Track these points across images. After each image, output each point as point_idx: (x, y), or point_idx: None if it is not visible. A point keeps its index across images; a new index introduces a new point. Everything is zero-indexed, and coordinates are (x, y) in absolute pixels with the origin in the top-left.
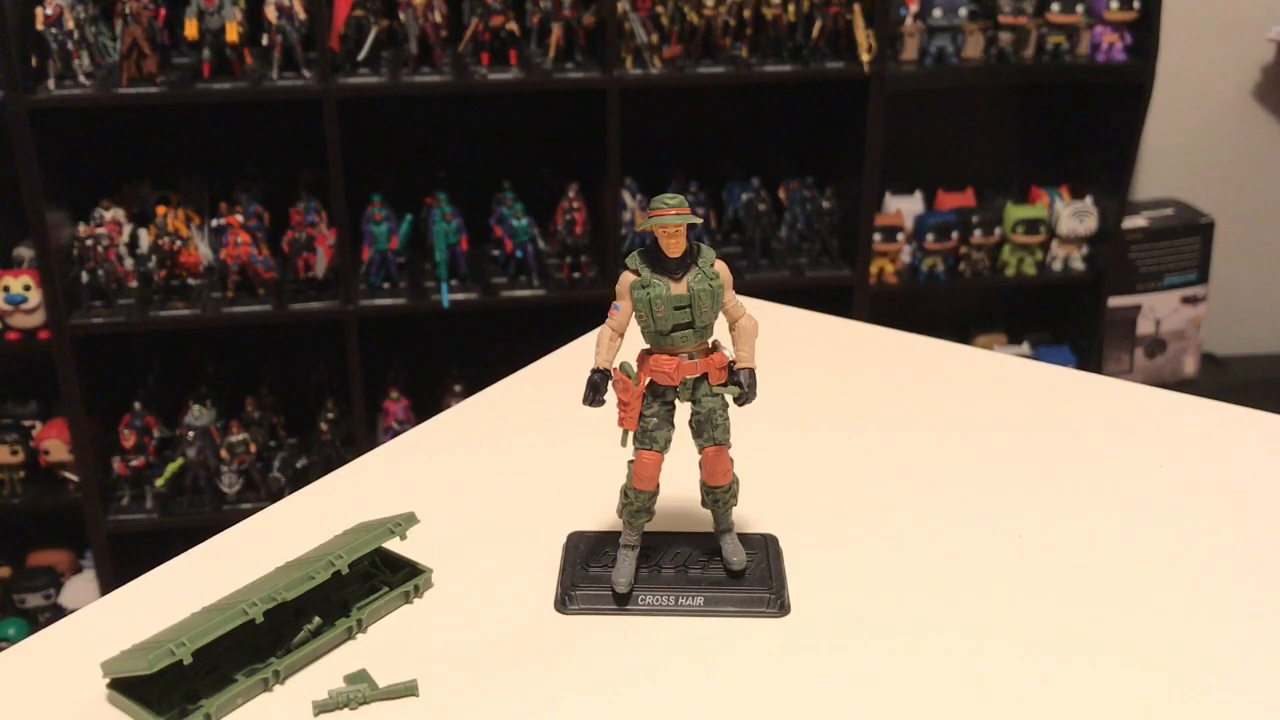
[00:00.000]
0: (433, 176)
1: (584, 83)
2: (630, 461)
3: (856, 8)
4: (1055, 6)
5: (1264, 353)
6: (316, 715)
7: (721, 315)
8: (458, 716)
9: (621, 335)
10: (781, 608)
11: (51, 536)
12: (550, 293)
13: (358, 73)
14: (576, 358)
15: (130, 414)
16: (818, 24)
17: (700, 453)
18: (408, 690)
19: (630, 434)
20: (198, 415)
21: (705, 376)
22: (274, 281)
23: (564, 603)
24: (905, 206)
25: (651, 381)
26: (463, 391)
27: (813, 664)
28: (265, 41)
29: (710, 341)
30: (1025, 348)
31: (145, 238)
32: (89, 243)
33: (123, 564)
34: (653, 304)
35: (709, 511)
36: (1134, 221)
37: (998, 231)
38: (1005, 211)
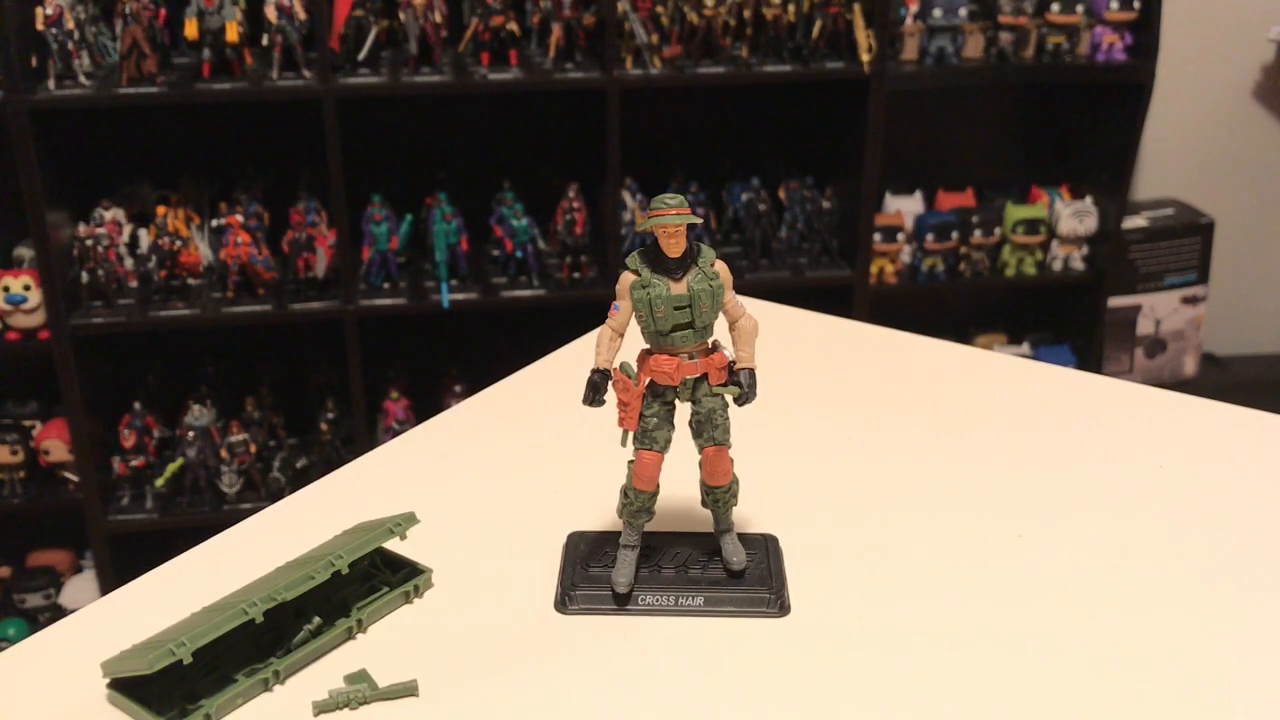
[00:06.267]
0: (433, 176)
1: (584, 83)
2: (630, 461)
3: (856, 8)
4: (1055, 6)
5: (1264, 353)
6: (316, 715)
7: (721, 315)
8: (458, 716)
9: (621, 335)
10: (781, 608)
11: (51, 536)
12: (550, 293)
13: (358, 73)
14: (576, 358)
15: (130, 414)
16: (818, 24)
17: (700, 453)
18: (408, 690)
19: (630, 434)
20: (198, 415)
21: (705, 376)
22: (274, 281)
23: (564, 603)
24: (905, 206)
25: (651, 381)
26: (463, 391)
27: (812, 664)
28: (265, 41)
29: (710, 341)
30: (1025, 348)
31: (145, 238)
32: (89, 243)
33: (123, 564)
34: (653, 304)
35: (709, 511)
36: (1134, 221)
37: (998, 231)
38: (1005, 211)
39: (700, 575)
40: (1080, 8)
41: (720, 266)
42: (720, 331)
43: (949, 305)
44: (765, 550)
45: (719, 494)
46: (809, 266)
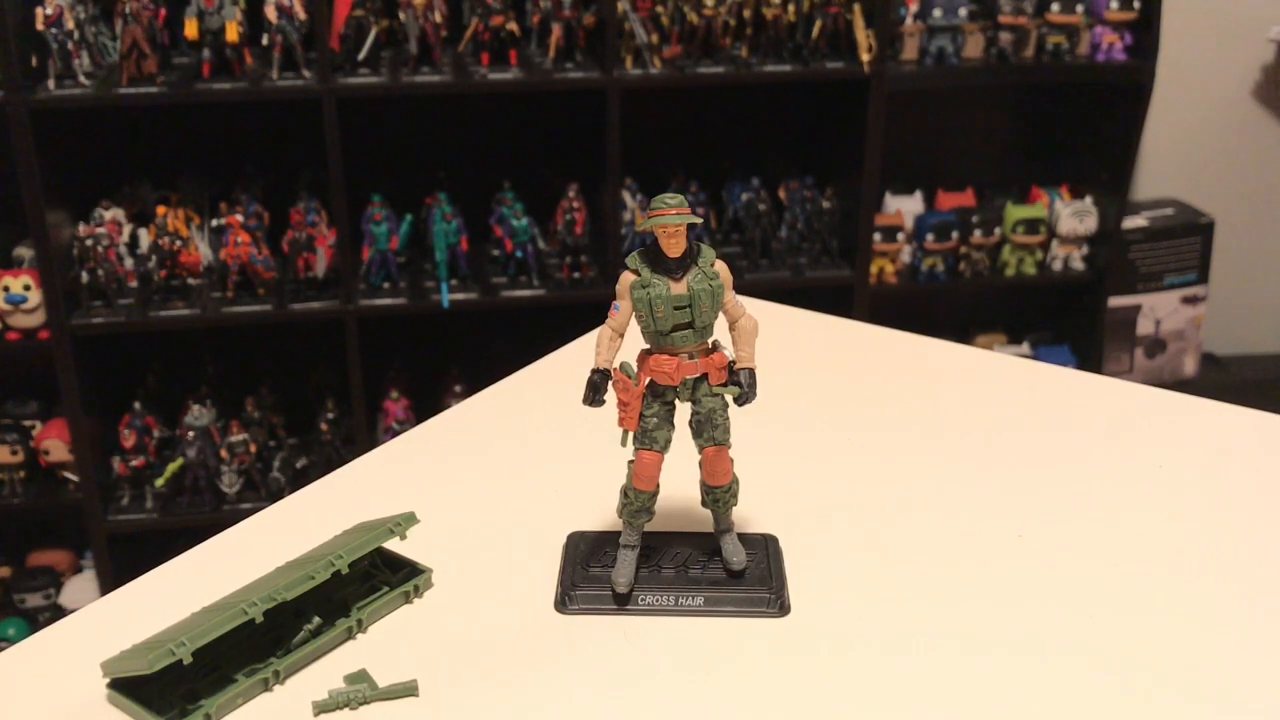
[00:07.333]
0: (433, 176)
1: (584, 83)
2: (630, 461)
3: (856, 8)
4: (1055, 6)
5: (1264, 353)
6: (316, 715)
7: (721, 315)
8: (458, 716)
9: (621, 335)
10: (781, 608)
11: (51, 536)
12: (550, 293)
13: (358, 73)
14: (576, 358)
15: (130, 414)
16: (818, 24)
17: (700, 453)
18: (408, 690)
19: (630, 434)
20: (198, 415)
21: (705, 376)
22: (274, 281)
23: (564, 603)
24: (905, 206)
25: (651, 381)
26: (463, 391)
27: (812, 665)
28: (265, 41)
29: (710, 341)
30: (1025, 348)
31: (145, 238)
32: (89, 243)
33: (123, 564)
34: (653, 304)
35: (709, 511)
36: (1134, 221)
37: (998, 231)
38: (1005, 211)
39: (700, 575)
40: (1080, 8)
41: (720, 266)
42: (720, 331)
43: (949, 305)
44: (765, 550)
45: (719, 494)
46: (809, 266)
